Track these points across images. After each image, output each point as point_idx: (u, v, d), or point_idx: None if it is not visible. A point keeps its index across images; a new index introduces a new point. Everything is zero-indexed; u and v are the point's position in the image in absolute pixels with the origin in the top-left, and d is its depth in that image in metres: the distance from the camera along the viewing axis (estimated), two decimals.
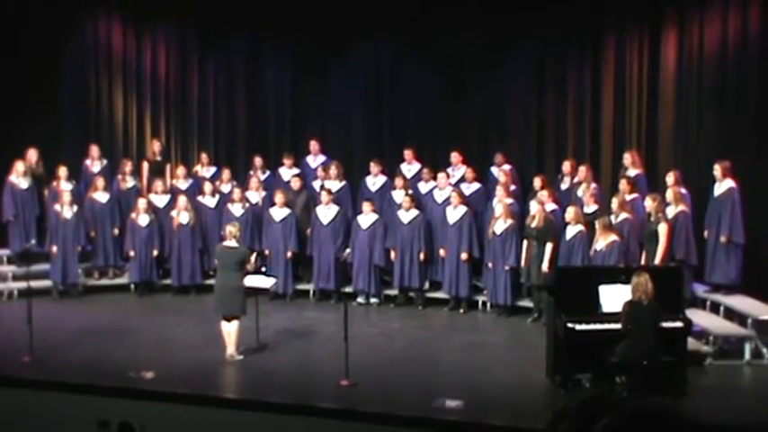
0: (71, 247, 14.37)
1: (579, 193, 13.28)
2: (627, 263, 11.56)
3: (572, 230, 12.32)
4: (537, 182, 13.65)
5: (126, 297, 14.58)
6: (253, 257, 11.49)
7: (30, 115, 15.46)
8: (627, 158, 13.36)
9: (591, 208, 12.74)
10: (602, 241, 11.75)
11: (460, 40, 15.22)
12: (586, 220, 12.39)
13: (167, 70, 16.85)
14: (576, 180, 13.64)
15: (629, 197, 12.56)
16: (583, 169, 13.47)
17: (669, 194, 12.06)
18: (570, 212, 12.36)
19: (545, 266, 12.51)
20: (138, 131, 16.87)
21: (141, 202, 14.56)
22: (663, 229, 11.53)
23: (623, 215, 12.16)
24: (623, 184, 12.71)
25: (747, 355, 10.78)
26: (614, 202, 12.26)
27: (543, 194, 13.15)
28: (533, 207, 12.78)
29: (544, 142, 15.24)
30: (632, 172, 13.19)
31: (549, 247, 12.52)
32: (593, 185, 13.31)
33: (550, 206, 13.07)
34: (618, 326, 9.35)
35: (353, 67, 16.19)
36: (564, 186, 13.91)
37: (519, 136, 15.41)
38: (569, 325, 9.60)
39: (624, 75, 14.27)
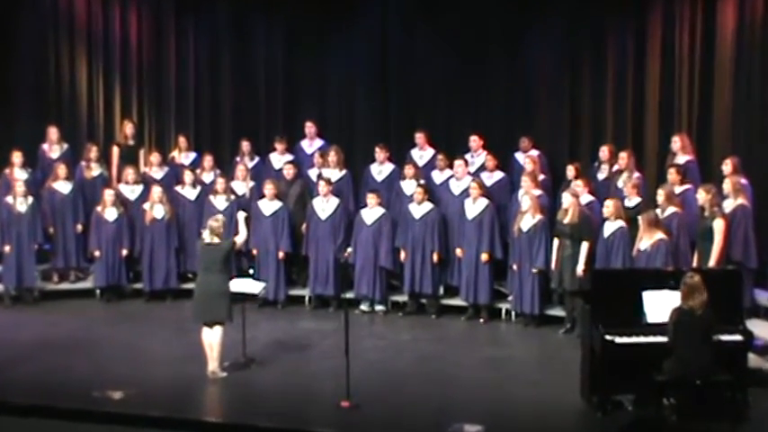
0: (26, 246, 14.32)
1: (619, 183, 13.25)
2: (676, 265, 11.53)
3: (611, 227, 12.29)
4: (570, 170, 13.62)
5: (90, 304, 14.54)
6: (241, 223, 11.43)
7: None
8: (676, 143, 13.29)
9: (633, 201, 12.71)
10: (646, 240, 11.71)
11: (479, 7, 15.18)
12: (628, 214, 12.37)
13: (140, 39, 16.79)
14: (615, 168, 13.61)
15: (678, 188, 12.53)
16: (624, 156, 13.43)
17: (726, 185, 12.03)
18: (609, 206, 12.34)
19: (579, 269, 12.47)
20: (106, 111, 16.82)
21: (109, 194, 14.51)
22: (718, 225, 11.49)
23: (671, 209, 12.13)
24: (671, 173, 12.67)
25: None
26: (660, 194, 12.21)
27: (577, 185, 13.13)
28: (566, 200, 12.73)
29: (578, 124, 15.18)
30: (682, 159, 13.14)
31: (584, 246, 12.48)
32: (636, 174, 13.27)
33: (586, 198, 13.04)
34: (665, 339, 9.27)
35: (356, 38, 16.18)
36: (601, 176, 13.88)
37: (548, 117, 15.37)
38: (608, 338, 9.56)
39: (673, 45, 14.18)
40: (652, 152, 14.37)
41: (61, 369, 11.24)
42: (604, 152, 13.87)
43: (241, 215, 11.82)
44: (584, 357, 10.13)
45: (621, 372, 9.52)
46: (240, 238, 11.54)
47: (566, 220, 12.64)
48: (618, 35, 14.70)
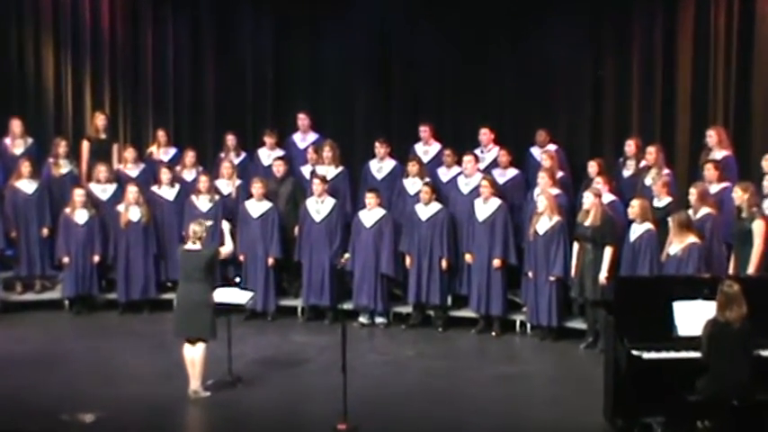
0: None
1: (647, 181, 13.25)
2: (710, 271, 11.51)
3: (638, 229, 12.29)
4: (591, 167, 13.58)
5: (58, 316, 14.54)
6: (227, 235, 11.41)
7: None
8: (711, 137, 13.26)
9: (663, 201, 12.70)
10: (676, 244, 11.72)
11: None
12: (656, 216, 12.37)
13: (112, 22, 16.82)
14: (642, 164, 13.61)
15: (714, 187, 12.53)
16: (652, 151, 13.43)
17: (766, 183, 12.02)
18: (635, 206, 12.34)
19: (602, 276, 12.48)
20: (76, 102, 16.86)
21: (78, 194, 14.49)
22: (758, 227, 11.49)
23: (705, 210, 12.13)
24: (709, 169, 12.68)
25: None
26: (693, 193, 12.22)
27: (600, 183, 13.09)
28: (587, 199, 12.73)
29: (601, 116, 15.19)
30: (718, 154, 13.12)
31: (607, 251, 12.49)
32: (666, 171, 13.27)
33: (609, 198, 13.03)
34: (698, 354, 9.24)
35: (353, 20, 16.21)
36: (627, 173, 13.87)
37: (568, 108, 15.39)
38: (634, 353, 9.52)
39: (707, 27, 14.16)
40: (683, 147, 14.36)
41: (26, 389, 11.20)
42: (630, 146, 13.85)
43: (226, 226, 11.78)
44: (608, 374, 10.09)
45: (650, 391, 9.48)
46: (226, 250, 11.50)
47: (587, 222, 12.63)
48: (645, 16, 14.70)
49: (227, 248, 11.55)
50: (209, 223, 11.48)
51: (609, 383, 10.08)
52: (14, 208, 14.70)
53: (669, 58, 14.50)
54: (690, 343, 9.40)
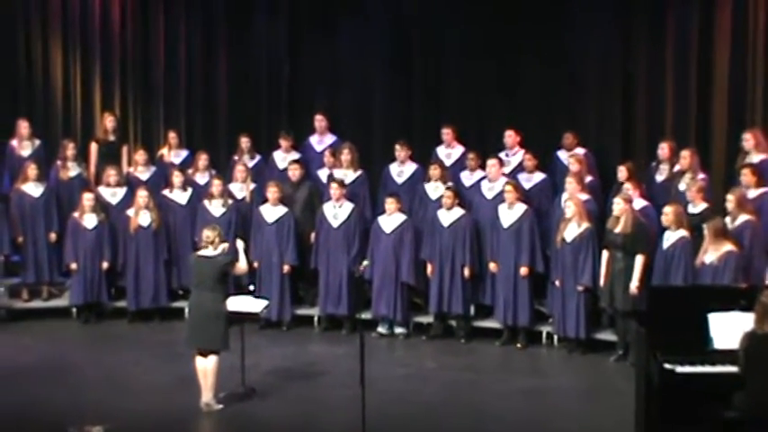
0: None
1: (681, 186, 13.22)
2: (747, 281, 11.47)
3: (671, 237, 12.25)
4: (622, 171, 13.56)
5: (66, 325, 14.57)
6: (241, 252, 11.34)
7: None
8: (748, 140, 13.18)
9: (698, 207, 12.66)
10: (712, 252, 11.68)
11: None
12: (691, 222, 12.34)
13: (123, 20, 16.88)
14: (676, 169, 13.55)
15: (751, 192, 12.49)
16: (686, 154, 13.36)
17: None
18: (669, 213, 12.28)
19: (633, 286, 12.44)
20: (84, 103, 16.92)
21: (87, 198, 14.52)
22: None
23: (743, 217, 12.09)
24: (746, 175, 12.61)
25: None
26: (731, 200, 12.18)
27: (630, 188, 13.08)
28: (617, 205, 12.69)
29: (632, 117, 15.10)
30: (756, 158, 13.07)
31: (638, 259, 12.46)
32: (701, 176, 13.22)
33: (640, 204, 13.00)
34: (735, 368, 9.18)
35: (372, 17, 16.21)
36: (660, 177, 13.82)
37: (597, 108, 15.32)
38: (667, 366, 9.45)
39: (745, 25, 14.04)
40: (719, 150, 14.25)
41: (32, 401, 11.23)
42: (663, 150, 13.79)
43: (240, 245, 11.69)
44: (639, 389, 10.03)
45: (684, 407, 9.40)
46: (241, 268, 11.39)
47: (617, 229, 12.59)
48: (680, 11, 14.59)
49: (241, 266, 11.43)
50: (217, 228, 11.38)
51: (640, 399, 10.00)
52: (21, 212, 14.74)
53: (705, 56, 14.37)
54: (726, 356, 9.32)
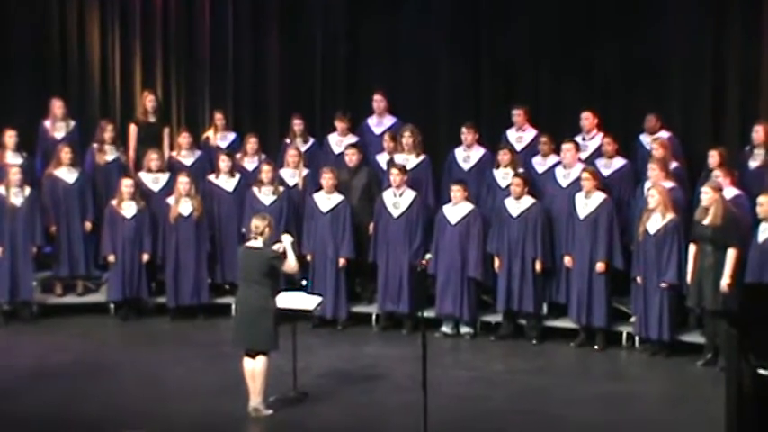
0: (22, 249, 14.50)
1: None
2: None
3: (767, 229, 12.18)
4: (712, 157, 13.52)
5: (102, 322, 14.70)
6: (288, 248, 11.24)
7: None
8: None
9: None
10: None
11: None
12: None
13: None
14: None
15: None
16: None
17: None
18: (764, 203, 12.25)
19: (724, 283, 12.36)
20: (123, 81, 17.05)
21: (126, 184, 14.62)
22: None
23: None
24: None
25: None
26: None
27: (721, 176, 13.01)
28: (706, 195, 12.63)
29: (722, 96, 15.01)
30: None
31: (730, 254, 12.39)
32: None
33: (732, 193, 12.95)
34: None
35: None
36: (754, 164, 13.78)
37: (683, 88, 15.21)
38: (762, 372, 9.36)
39: None
40: None
41: (66, 404, 11.32)
42: (758, 133, 13.73)
43: (287, 239, 11.51)
44: (730, 397, 9.93)
45: None
46: (289, 267, 11.28)
47: (706, 221, 12.53)
48: None
49: (291, 263, 11.23)
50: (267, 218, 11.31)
51: (731, 407, 9.91)
52: (54, 199, 14.87)
53: None
54: None
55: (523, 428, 10.86)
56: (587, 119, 14.62)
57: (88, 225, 14.94)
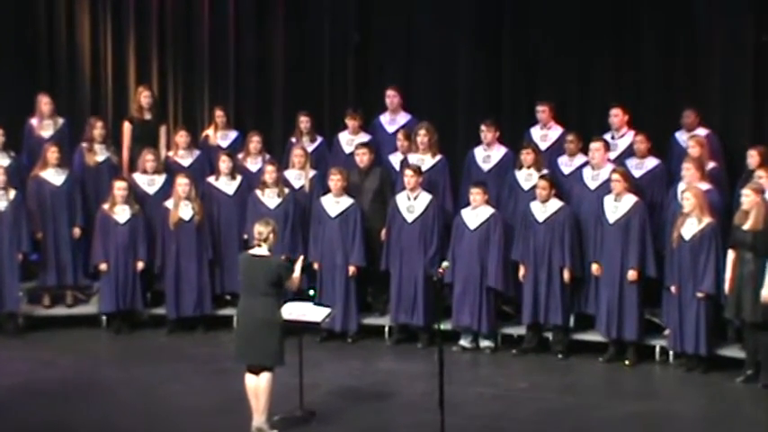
0: (7, 257, 14.53)
1: None
2: None
3: None
4: (752, 156, 13.52)
5: (94, 335, 14.74)
6: (298, 266, 11.30)
7: None
8: None
9: None
10: None
11: None
12: None
13: None
14: None
15: None
16: None
17: None
18: None
19: (765, 293, 12.31)
20: (116, 76, 17.07)
21: (119, 186, 14.64)
22: None
23: None
24: None
25: None
26: None
27: (762, 177, 12.98)
28: (746, 197, 12.62)
29: (764, 93, 14.97)
30: None
31: None
32: None
33: None
34: None
35: None
36: None
37: (723, 83, 15.18)
38: None
39: None
40: None
41: (55, 423, 11.34)
42: None
43: (298, 263, 11.52)
44: None
45: None
46: (293, 283, 11.17)
47: (746, 226, 12.53)
48: None
49: (294, 281, 11.16)
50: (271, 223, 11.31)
51: None
52: (40, 203, 14.89)
53: None
54: None
55: None
56: (617, 115, 14.61)
57: (77, 231, 14.95)
